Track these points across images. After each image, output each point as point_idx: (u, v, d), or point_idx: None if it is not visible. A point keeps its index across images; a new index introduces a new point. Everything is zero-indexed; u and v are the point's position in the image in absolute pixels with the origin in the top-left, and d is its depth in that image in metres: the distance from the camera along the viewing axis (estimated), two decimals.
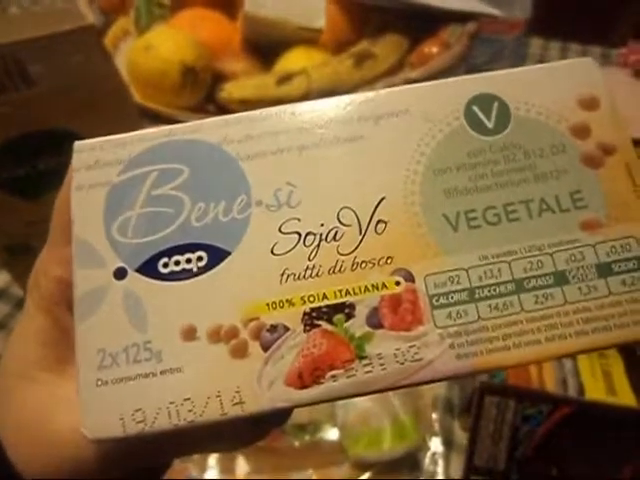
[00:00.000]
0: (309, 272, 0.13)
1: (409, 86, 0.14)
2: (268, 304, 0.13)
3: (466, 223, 0.13)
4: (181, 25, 0.50)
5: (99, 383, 0.13)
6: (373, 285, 0.13)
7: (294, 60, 0.46)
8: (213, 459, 0.37)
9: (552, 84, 0.14)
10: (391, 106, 0.14)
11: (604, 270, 0.13)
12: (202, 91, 0.47)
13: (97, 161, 0.15)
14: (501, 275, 0.13)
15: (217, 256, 0.13)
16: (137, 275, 0.13)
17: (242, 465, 0.37)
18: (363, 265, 0.13)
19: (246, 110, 0.45)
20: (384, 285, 0.13)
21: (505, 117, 0.14)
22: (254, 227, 0.14)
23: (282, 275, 0.13)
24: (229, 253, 0.13)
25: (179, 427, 0.13)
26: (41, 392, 0.15)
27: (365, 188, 0.14)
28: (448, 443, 0.38)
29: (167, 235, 0.14)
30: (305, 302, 0.13)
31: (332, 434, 0.39)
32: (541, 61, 0.70)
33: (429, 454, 0.38)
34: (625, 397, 0.34)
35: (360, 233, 0.14)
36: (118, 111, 0.37)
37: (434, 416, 0.39)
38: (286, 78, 0.43)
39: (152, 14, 0.53)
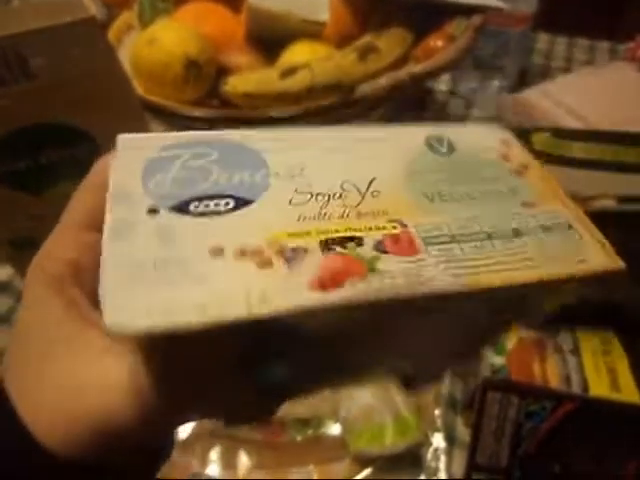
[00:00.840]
0: (322, 215, 0.16)
1: (389, 126, 0.20)
2: (289, 234, 0.15)
3: (439, 198, 0.18)
4: (185, 19, 0.50)
5: (125, 286, 0.13)
6: (376, 226, 0.16)
7: (298, 54, 0.45)
8: (215, 454, 0.37)
9: (479, 133, 0.21)
10: (373, 133, 0.20)
11: (542, 230, 0.18)
12: (206, 85, 0.47)
13: (138, 146, 0.17)
14: (473, 228, 0.17)
15: (242, 202, 0.16)
16: (169, 212, 0.15)
17: (244, 460, 0.37)
18: (365, 215, 0.16)
19: (250, 103, 0.44)
20: (384, 227, 0.16)
21: (452, 147, 0.20)
22: (274, 188, 0.16)
23: (299, 217, 0.16)
24: (253, 201, 0.16)
25: (207, 325, 0.13)
26: (64, 361, 0.15)
27: (360, 173, 0.18)
28: (451, 439, 0.38)
29: (198, 189, 0.16)
30: (320, 234, 0.16)
31: (334, 429, 0.39)
32: (548, 57, 0.70)
33: (431, 450, 0.38)
34: (629, 393, 0.34)
35: (359, 195, 0.17)
36: (121, 105, 0.37)
37: (437, 412, 0.39)
38: (289, 72, 0.42)
39: (156, 8, 0.52)
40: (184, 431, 0.38)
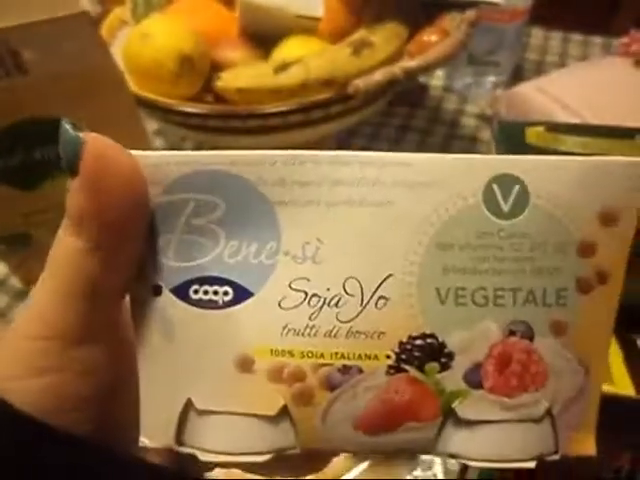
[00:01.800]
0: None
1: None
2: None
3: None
4: (178, 14, 0.50)
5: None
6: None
7: (292, 49, 0.45)
8: None
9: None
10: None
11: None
12: (200, 80, 0.46)
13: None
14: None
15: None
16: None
17: None
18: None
19: (243, 98, 0.44)
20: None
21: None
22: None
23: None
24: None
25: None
26: None
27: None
28: None
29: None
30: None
31: None
32: (542, 52, 0.70)
33: None
34: (624, 387, 0.34)
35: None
36: (114, 101, 0.36)
37: None
38: (283, 67, 0.42)
39: (149, 3, 0.52)
40: None
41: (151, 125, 0.57)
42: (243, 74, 0.44)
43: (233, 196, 0.14)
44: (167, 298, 0.14)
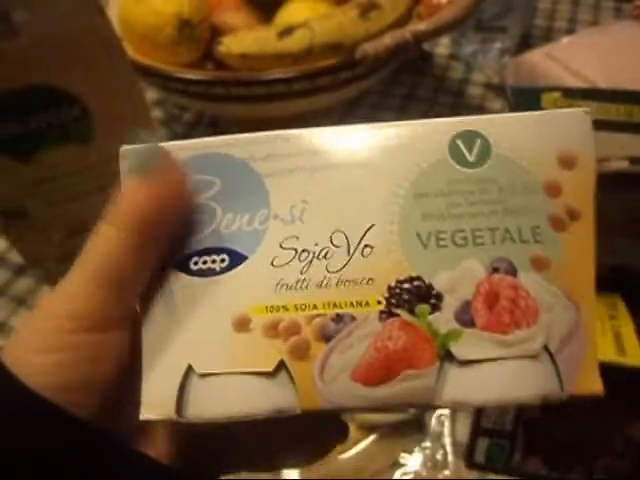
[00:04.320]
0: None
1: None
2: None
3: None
4: None
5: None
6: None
7: (296, 12, 0.43)
8: None
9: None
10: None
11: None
12: (200, 47, 0.45)
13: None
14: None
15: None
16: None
17: None
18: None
19: (246, 65, 0.43)
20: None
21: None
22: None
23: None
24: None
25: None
26: None
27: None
28: None
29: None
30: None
31: None
32: (551, 18, 0.67)
33: (435, 416, 0.38)
34: (635, 357, 0.34)
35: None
36: (110, 66, 0.35)
37: None
38: (287, 31, 0.40)
39: None
40: None
41: (149, 95, 0.56)
42: (245, 39, 0.42)
43: (227, 174, 0.16)
44: (170, 272, 0.15)
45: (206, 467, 0.17)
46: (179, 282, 0.15)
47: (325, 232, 0.15)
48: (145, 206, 0.14)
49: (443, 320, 0.14)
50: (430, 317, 0.14)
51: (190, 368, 0.15)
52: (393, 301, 0.15)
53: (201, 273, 0.15)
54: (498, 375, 0.14)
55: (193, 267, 0.15)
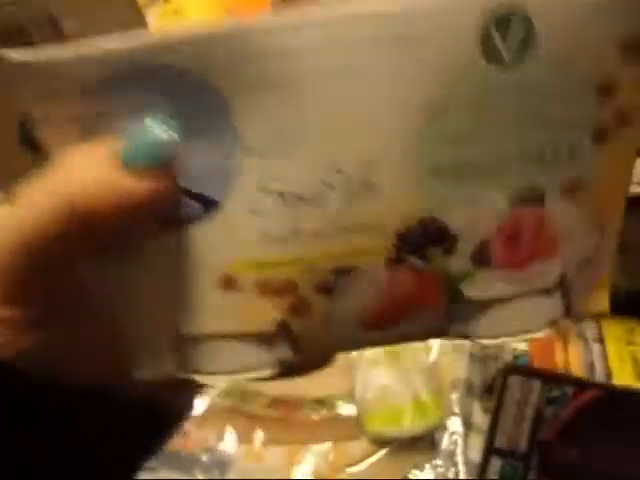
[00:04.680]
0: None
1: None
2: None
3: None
4: None
5: None
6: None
7: None
8: (231, 429, 0.37)
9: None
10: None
11: None
12: None
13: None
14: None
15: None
16: None
17: (260, 436, 0.37)
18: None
19: None
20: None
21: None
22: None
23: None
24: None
25: None
26: None
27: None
28: (467, 424, 0.38)
29: None
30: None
31: (350, 409, 0.38)
32: None
33: (448, 434, 0.37)
34: None
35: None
36: None
37: (454, 396, 0.39)
38: None
39: None
40: (201, 406, 0.38)
41: None
42: None
43: (178, 92, 0.11)
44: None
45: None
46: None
47: (315, 169, 0.12)
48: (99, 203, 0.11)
49: (456, 262, 0.13)
50: (442, 260, 0.13)
51: (183, 329, 0.13)
52: (403, 247, 0.12)
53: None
54: (509, 312, 0.13)
55: None
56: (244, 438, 0.37)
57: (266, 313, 0.13)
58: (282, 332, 0.13)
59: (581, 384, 0.33)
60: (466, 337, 0.14)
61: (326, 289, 0.13)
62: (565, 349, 0.36)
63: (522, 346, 0.36)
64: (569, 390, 0.33)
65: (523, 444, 0.34)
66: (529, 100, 0.12)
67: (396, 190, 0.12)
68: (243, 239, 0.12)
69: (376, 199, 0.12)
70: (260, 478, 0.36)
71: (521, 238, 0.13)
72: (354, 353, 0.39)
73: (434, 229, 0.12)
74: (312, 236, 0.12)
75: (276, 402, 0.38)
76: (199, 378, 0.13)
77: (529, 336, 0.14)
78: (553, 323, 0.14)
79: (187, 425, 0.37)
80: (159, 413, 0.15)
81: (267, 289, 0.12)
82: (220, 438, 0.37)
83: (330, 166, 0.12)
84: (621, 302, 0.38)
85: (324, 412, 0.39)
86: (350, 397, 0.39)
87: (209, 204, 0.12)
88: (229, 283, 0.12)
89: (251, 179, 0.12)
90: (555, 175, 0.12)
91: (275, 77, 0.11)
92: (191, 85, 0.11)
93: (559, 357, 0.35)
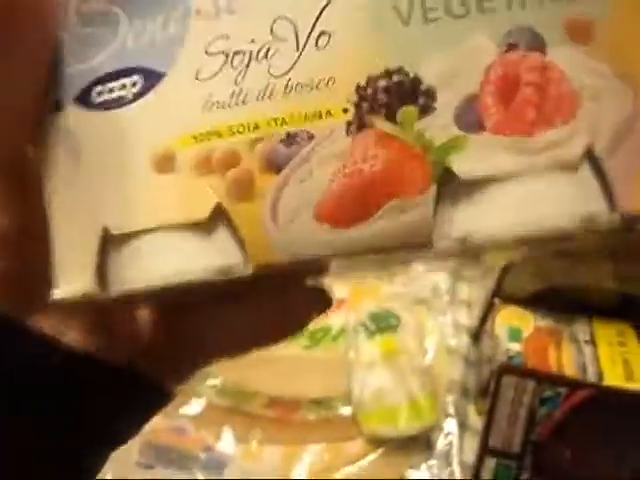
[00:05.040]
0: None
1: None
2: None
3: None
4: None
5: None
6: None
7: None
8: (229, 429, 0.38)
9: None
10: None
11: None
12: None
13: None
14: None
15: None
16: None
17: (258, 434, 0.37)
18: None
19: None
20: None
21: None
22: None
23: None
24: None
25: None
26: None
27: None
28: (462, 426, 0.38)
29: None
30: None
31: (346, 410, 0.39)
32: None
33: (443, 435, 0.38)
34: None
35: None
36: None
37: (449, 398, 0.39)
38: None
39: None
40: (198, 406, 0.39)
41: None
42: None
43: None
44: (69, 111, 0.12)
45: (173, 360, 0.15)
46: (81, 120, 0.12)
47: (263, 22, 0.11)
48: None
49: (438, 126, 0.10)
50: (419, 123, 0.10)
51: (107, 230, 0.12)
52: (365, 106, 0.10)
53: (108, 105, 0.12)
54: (521, 195, 0.10)
55: (97, 99, 0.12)
56: (242, 438, 0.38)
57: (202, 196, 0.11)
58: (221, 222, 0.11)
59: (574, 385, 0.34)
60: (463, 242, 0.10)
61: (275, 164, 0.11)
62: (558, 350, 0.36)
63: (516, 347, 0.37)
64: (562, 391, 0.34)
65: (517, 444, 0.34)
66: None
67: (353, 37, 0.11)
68: (186, 110, 0.11)
69: (331, 48, 0.11)
70: (258, 478, 0.36)
71: (520, 92, 0.10)
72: (351, 355, 0.40)
73: (403, 81, 0.10)
74: (259, 97, 0.11)
75: (273, 402, 0.39)
76: (127, 288, 0.12)
77: (553, 229, 0.10)
78: (591, 219, 0.10)
79: (185, 424, 0.38)
80: (143, 386, 0.14)
81: (206, 166, 0.11)
82: (218, 438, 0.38)
83: (279, 15, 0.11)
84: (612, 305, 0.39)
85: (321, 413, 0.39)
86: (347, 398, 0.39)
87: (154, 77, 0.11)
88: (166, 163, 0.11)
89: (198, 42, 0.11)
90: (555, 15, 0.10)
91: None
92: None
93: (552, 358, 0.36)
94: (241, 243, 0.11)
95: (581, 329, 0.37)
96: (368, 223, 0.10)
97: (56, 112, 0.12)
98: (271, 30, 0.11)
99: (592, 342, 0.36)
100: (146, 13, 0.12)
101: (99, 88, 0.12)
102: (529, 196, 0.10)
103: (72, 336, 0.12)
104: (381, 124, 0.10)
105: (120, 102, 0.12)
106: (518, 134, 0.10)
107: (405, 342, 0.40)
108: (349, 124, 0.11)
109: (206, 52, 0.11)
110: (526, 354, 0.36)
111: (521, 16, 0.10)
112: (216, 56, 0.11)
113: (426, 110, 0.10)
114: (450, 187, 0.10)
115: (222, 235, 0.11)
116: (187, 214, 0.11)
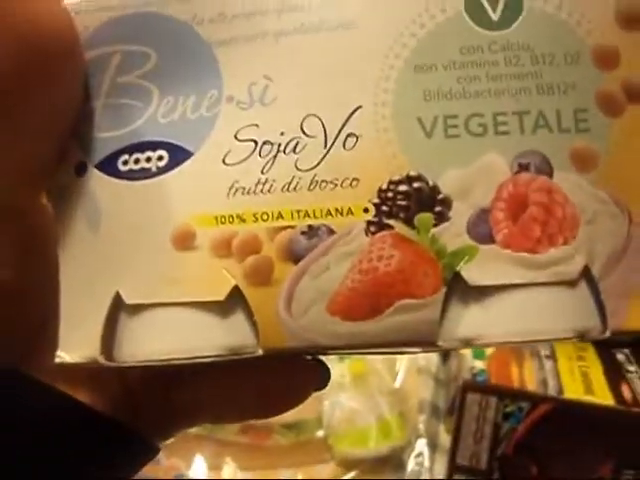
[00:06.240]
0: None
1: None
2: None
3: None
4: None
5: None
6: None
7: None
8: (201, 456, 0.38)
9: None
10: None
11: None
12: None
13: None
14: None
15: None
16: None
17: (230, 462, 0.38)
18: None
19: None
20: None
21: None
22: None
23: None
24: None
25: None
26: None
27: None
28: (433, 445, 0.39)
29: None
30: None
31: (319, 433, 0.39)
32: None
33: (414, 455, 0.38)
34: (603, 397, 0.35)
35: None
36: None
37: (420, 418, 0.40)
38: None
39: None
40: None
41: None
42: None
43: (165, 42, 0.12)
44: (92, 176, 0.12)
45: (166, 421, 0.15)
46: (104, 187, 0.12)
47: (294, 117, 0.11)
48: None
49: (451, 234, 0.11)
50: (434, 230, 0.11)
51: (118, 297, 0.12)
52: (385, 208, 0.11)
53: (133, 175, 0.12)
54: (523, 305, 0.11)
55: (122, 168, 0.12)
56: (213, 465, 0.38)
57: (219, 278, 0.11)
58: (236, 304, 0.11)
59: (535, 399, 0.35)
60: (467, 343, 0.11)
61: (294, 254, 0.11)
62: (520, 366, 0.38)
63: (480, 365, 0.38)
64: (524, 405, 0.35)
65: (484, 461, 0.35)
66: (521, 60, 0.11)
67: (378, 143, 0.11)
68: (210, 191, 0.12)
69: (357, 150, 0.11)
70: None
71: (528, 211, 0.11)
72: None
73: (422, 188, 0.11)
74: (285, 189, 0.11)
75: (246, 428, 0.39)
76: (134, 360, 0.12)
77: (550, 338, 0.11)
78: (584, 334, 0.11)
79: None
80: (131, 438, 0.14)
81: (225, 248, 0.11)
82: (189, 465, 0.38)
83: (310, 113, 0.11)
84: None
85: (294, 437, 0.39)
86: (319, 422, 0.40)
87: (181, 154, 0.12)
88: (186, 240, 0.12)
89: (229, 127, 0.12)
90: (562, 144, 0.11)
91: (262, 29, 0.12)
92: (183, 38, 0.12)
93: (515, 374, 0.37)
94: (254, 326, 0.11)
95: (542, 344, 0.39)
96: (378, 319, 0.11)
97: (79, 175, 0.12)
98: (301, 126, 0.11)
99: (552, 357, 0.38)
100: (179, 92, 0.12)
101: (125, 157, 0.12)
102: (531, 307, 0.11)
103: (62, 386, 0.12)
104: (399, 227, 0.11)
105: (144, 174, 0.12)
106: (525, 250, 0.11)
107: (374, 363, 0.41)
108: (369, 224, 0.11)
109: (236, 137, 0.12)
110: (489, 371, 0.37)
111: (532, 141, 0.11)
112: (246, 143, 0.12)
113: (442, 218, 0.11)
114: (458, 291, 0.11)
115: (238, 317, 0.12)
116: (205, 293, 0.11)
